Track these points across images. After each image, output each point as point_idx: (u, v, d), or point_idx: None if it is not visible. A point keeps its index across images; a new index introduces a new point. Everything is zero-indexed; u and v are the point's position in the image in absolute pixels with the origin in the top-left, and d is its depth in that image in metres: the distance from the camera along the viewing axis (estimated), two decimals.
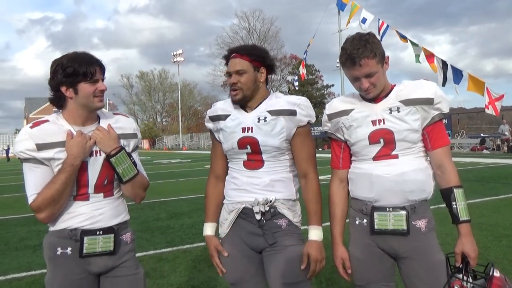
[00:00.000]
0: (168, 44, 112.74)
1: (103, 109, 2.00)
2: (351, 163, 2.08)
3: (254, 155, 2.03)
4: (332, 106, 2.09)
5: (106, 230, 1.89)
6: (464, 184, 1.92)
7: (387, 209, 1.92)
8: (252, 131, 2.01)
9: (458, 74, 9.21)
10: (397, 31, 11.31)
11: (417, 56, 10.37)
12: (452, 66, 9.37)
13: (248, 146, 2.02)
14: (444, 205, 1.92)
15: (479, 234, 5.00)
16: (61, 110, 1.90)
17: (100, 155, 1.89)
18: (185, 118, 67.95)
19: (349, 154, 2.08)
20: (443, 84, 9.41)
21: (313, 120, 2.07)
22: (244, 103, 2.07)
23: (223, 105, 2.14)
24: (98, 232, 1.87)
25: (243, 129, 2.03)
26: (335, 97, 2.39)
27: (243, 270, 2.05)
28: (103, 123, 1.95)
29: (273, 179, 2.03)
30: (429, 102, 1.90)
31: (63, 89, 1.82)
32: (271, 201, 1.99)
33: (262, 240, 2.01)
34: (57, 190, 1.76)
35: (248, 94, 2.04)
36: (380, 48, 1.87)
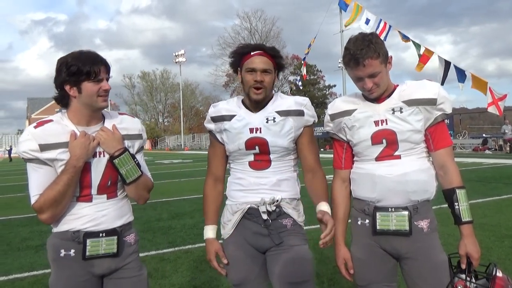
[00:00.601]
0: (170, 44, 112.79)
1: (107, 109, 1.99)
2: (353, 163, 2.07)
3: (262, 155, 2.03)
4: (335, 106, 2.09)
5: (109, 232, 1.87)
6: (466, 184, 1.92)
7: (389, 209, 1.92)
8: (260, 132, 2.01)
9: (461, 74, 9.22)
10: (399, 32, 11.31)
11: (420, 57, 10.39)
12: (455, 66, 9.37)
13: (257, 147, 2.02)
14: (446, 205, 1.91)
15: (481, 235, 4.99)
16: (65, 110, 1.89)
17: (103, 156, 1.87)
18: (187, 118, 67.93)
19: (351, 154, 2.08)
20: (442, 83, 9.41)
21: (317, 120, 2.10)
22: (260, 103, 2.04)
23: (227, 105, 2.11)
24: (101, 234, 1.85)
25: (251, 130, 2.02)
26: (337, 98, 2.38)
27: (247, 271, 2.04)
28: (108, 123, 1.93)
29: (280, 179, 2.04)
30: (432, 102, 1.90)
31: (67, 87, 1.81)
32: (277, 201, 2.00)
33: (268, 240, 2.01)
34: (59, 191, 1.75)
35: (268, 94, 2.04)
36: (383, 48, 1.87)
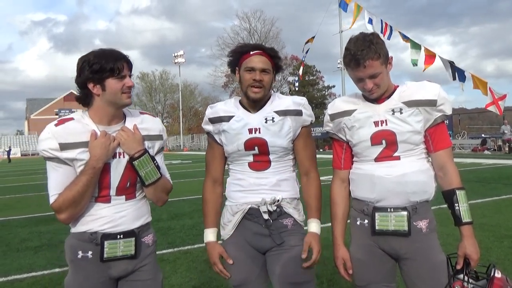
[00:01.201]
0: (170, 45, 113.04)
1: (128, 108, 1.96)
2: (352, 164, 2.07)
3: (261, 156, 2.03)
4: (335, 106, 2.09)
5: (127, 234, 1.85)
6: (465, 185, 1.92)
7: (388, 210, 1.92)
8: (260, 132, 2.00)
9: (461, 75, 9.23)
10: (399, 32, 11.32)
11: (414, 60, 10.46)
12: (455, 66, 9.39)
13: (256, 148, 2.01)
14: (446, 205, 1.91)
15: (480, 235, 4.99)
16: (87, 109, 1.86)
17: (123, 157, 1.84)
18: (186, 119, 67.92)
19: (351, 154, 2.07)
20: (454, 78, 9.37)
21: (314, 120, 2.10)
22: (258, 102, 2.04)
23: (225, 106, 2.10)
24: (118, 236, 1.83)
25: (250, 130, 2.01)
26: (336, 98, 2.38)
27: (247, 271, 2.04)
28: (129, 123, 1.90)
29: (279, 179, 2.04)
30: (432, 103, 1.90)
31: (90, 86, 1.78)
32: (278, 200, 2.00)
33: (269, 240, 2.01)
34: (78, 192, 1.73)
35: (266, 94, 2.04)
36: (384, 49, 1.87)
